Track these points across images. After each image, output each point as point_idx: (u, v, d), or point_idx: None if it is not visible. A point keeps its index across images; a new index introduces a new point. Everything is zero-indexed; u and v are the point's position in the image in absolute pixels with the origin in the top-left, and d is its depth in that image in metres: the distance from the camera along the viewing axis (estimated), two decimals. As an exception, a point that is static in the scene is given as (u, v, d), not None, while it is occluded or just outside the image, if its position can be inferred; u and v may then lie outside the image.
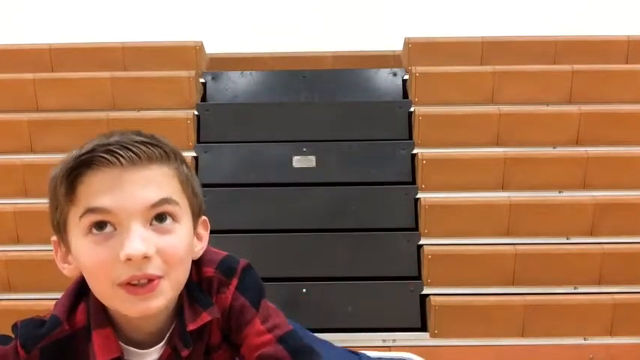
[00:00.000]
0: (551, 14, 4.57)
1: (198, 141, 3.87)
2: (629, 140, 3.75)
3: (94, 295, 0.89)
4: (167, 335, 0.92)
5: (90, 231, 0.83)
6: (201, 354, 0.95)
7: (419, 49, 4.18)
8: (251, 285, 0.95)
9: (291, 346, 0.93)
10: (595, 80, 3.92)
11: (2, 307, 3.26)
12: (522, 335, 3.32)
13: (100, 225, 0.83)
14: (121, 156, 0.82)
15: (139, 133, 0.87)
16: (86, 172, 0.83)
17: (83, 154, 0.83)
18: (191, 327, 0.91)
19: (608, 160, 3.67)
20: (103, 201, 0.82)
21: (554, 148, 3.75)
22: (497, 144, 3.77)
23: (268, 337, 0.93)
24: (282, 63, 4.32)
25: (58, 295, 0.94)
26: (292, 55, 4.37)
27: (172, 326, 0.92)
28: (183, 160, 0.91)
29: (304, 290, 3.39)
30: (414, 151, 3.75)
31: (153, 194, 0.84)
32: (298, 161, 3.74)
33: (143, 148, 0.84)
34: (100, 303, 0.89)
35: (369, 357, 1.26)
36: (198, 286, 0.94)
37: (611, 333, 3.30)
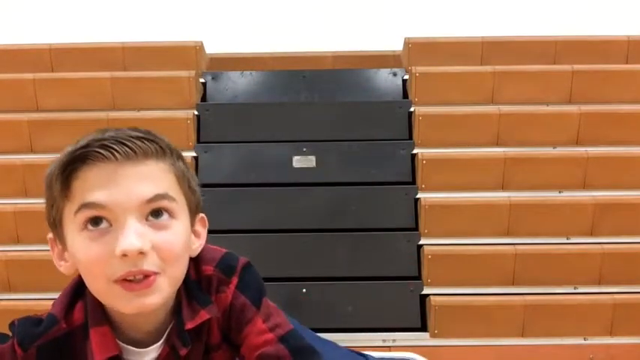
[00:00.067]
0: (551, 14, 4.57)
1: (198, 141, 3.87)
2: (629, 140, 3.74)
3: (91, 293, 0.88)
4: (165, 334, 0.91)
5: (85, 227, 0.83)
6: (199, 353, 0.94)
7: (419, 49, 4.18)
8: (251, 283, 0.95)
9: (292, 346, 0.93)
10: (595, 80, 3.92)
11: (2, 307, 3.26)
12: (522, 335, 3.32)
13: (96, 221, 0.82)
14: (116, 151, 0.82)
15: (134, 129, 0.87)
16: (81, 167, 0.82)
17: (78, 150, 0.83)
18: (189, 325, 0.90)
19: (608, 160, 3.67)
20: (98, 196, 0.81)
21: (554, 148, 3.75)
22: (497, 144, 3.77)
23: (270, 336, 0.93)
24: (282, 63, 4.32)
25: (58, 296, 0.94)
26: (292, 55, 4.37)
27: (170, 325, 0.92)
28: (179, 156, 0.90)
29: (304, 290, 3.39)
30: (414, 151, 3.75)
31: (148, 189, 0.83)
32: (298, 161, 3.74)
33: (138, 143, 0.84)
34: (98, 301, 0.88)
35: (374, 358, 1.24)
36: (197, 284, 0.93)
37: (611, 333, 3.30)
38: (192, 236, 0.92)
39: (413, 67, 4.00)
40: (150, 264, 0.83)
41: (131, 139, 0.83)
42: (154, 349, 0.91)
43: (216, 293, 0.93)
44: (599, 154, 3.68)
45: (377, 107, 4.01)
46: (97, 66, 4.07)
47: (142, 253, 0.81)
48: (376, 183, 3.70)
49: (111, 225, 0.82)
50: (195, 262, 0.94)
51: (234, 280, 0.94)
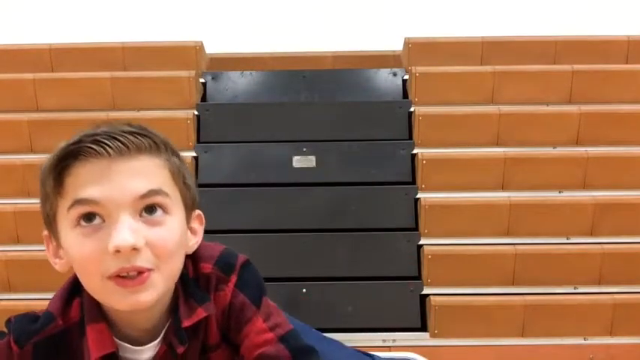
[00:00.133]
0: (551, 14, 4.57)
1: (198, 141, 3.87)
2: (629, 140, 3.74)
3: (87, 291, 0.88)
4: (162, 332, 0.91)
5: (78, 223, 0.82)
6: (197, 351, 0.93)
7: (419, 49, 4.18)
8: (251, 282, 0.94)
9: (292, 346, 0.92)
10: (595, 80, 3.92)
11: (2, 307, 3.25)
12: (522, 335, 3.32)
13: (89, 217, 0.81)
14: (109, 146, 0.81)
15: (128, 124, 0.86)
16: (73, 163, 0.82)
17: (70, 145, 0.82)
18: (186, 323, 0.89)
19: (608, 160, 3.67)
20: (91, 192, 0.81)
21: (554, 148, 3.75)
22: (497, 144, 3.77)
23: (270, 335, 0.92)
24: (282, 63, 4.32)
25: (58, 296, 0.94)
26: (292, 55, 4.37)
27: (168, 323, 0.91)
28: (174, 152, 0.89)
29: (304, 290, 3.39)
30: (414, 151, 3.75)
31: (142, 185, 0.82)
32: (298, 161, 3.74)
33: (131, 138, 0.83)
34: (94, 298, 0.88)
35: (380, 358, 1.23)
36: (195, 282, 0.92)
37: (611, 333, 3.30)
38: (189, 233, 0.91)
39: (413, 67, 4.00)
40: (143, 260, 0.82)
41: (124, 134, 0.83)
42: (151, 348, 0.91)
43: (215, 291, 0.92)
44: (599, 154, 3.68)
45: (377, 107, 4.01)
46: (97, 66, 4.07)
47: (135, 249, 0.80)
48: (376, 183, 3.70)
49: (104, 221, 0.82)
50: (193, 259, 0.93)
51: (233, 278, 0.93)
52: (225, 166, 3.76)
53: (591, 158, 3.65)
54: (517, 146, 3.74)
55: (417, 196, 3.62)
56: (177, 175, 0.88)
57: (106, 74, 3.98)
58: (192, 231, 0.93)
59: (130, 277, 0.81)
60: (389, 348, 3.19)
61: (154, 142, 0.85)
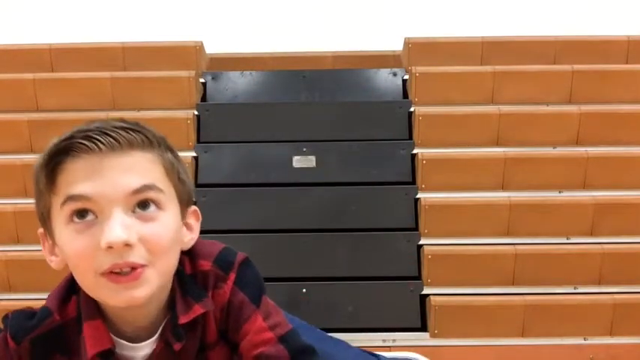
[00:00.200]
0: (551, 14, 4.57)
1: (198, 141, 3.87)
2: (629, 140, 3.74)
3: None
4: (159, 329, 0.90)
5: (71, 220, 0.82)
6: (194, 348, 0.92)
7: (419, 49, 4.18)
8: (250, 280, 0.93)
9: (292, 346, 0.92)
10: (595, 80, 3.91)
11: (2, 307, 3.25)
12: (522, 335, 3.31)
13: (81, 213, 0.81)
14: (100, 141, 0.81)
15: (121, 120, 0.85)
16: (65, 159, 0.81)
17: (62, 141, 0.82)
18: (183, 320, 0.89)
19: (608, 160, 3.67)
20: (83, 188, 0.80)
21: (554, 148, 3.75)
22: (498, 144, 3.77)
23: (269, 335, 0.91)
24: (282, 63, 4.32)
25: (58, 296, 0.94)
26: (292, 55, 4.37)
27: (165, 320, 0.90)
28: (168, 147, 0.89)
29: (304, 290, 3.39)
30: (414, 151, 3.75)
31: (134, 180, 0.82)
32: (298, 161, 3.74)
33: (123, 133, 0.82)
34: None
35: (386, 358, 1.22)
36: (193, 279, 0.92)
37: (611, 333, 3.30)
38: (184, 229, 0.91)
39: (413, 67, 4.00)
40: (137, 256, 0.81)
41: (116, 129, 0.82)
42: (148, 345, 0.90)
43: (214, 289, 0.92)
44: (599, 154, 3.68)
45: (377, 107, 4.01)
46: (97, 66, 4.07)
47: (128, 245, 0.80)
48: (376, 183, 3.70)
49: (97, 217, 0.81)
50: (191, 256, 0.93)
51: (232, 276, 0.92)
52: (225, 166, 3.76)
53: (591, 158, 3.65)
54: (517, 146, 3.74)
55: (417, 196, 3.62)
56: (172, 171, 0.87)
57: (106, 74, 3.98)
58: (188, 227, 0.92)
59: (123, 274, 0.81)
60: (389, 348, 3.19)
61: (147, 137, 0.85)
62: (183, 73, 3.99)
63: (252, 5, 4.71)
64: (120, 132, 0.82)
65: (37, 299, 3.20)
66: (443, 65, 4.04)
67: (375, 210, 3.61)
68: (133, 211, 0.82)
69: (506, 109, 3.81)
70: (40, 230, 0.89)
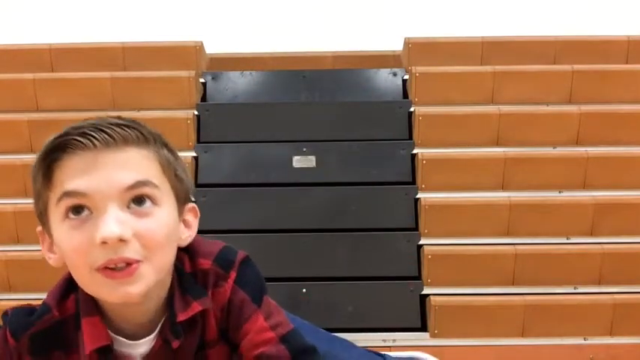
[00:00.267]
0: (551, 14, 4.57)
1: (198, 141, 3.87)
2: (629, 140, 3.74)
3: None
4: (158, 327, 0.90)
5: (67, 216, 0.82)
6: (193, 346, 0.92)
7: (419, 49, 4.18)
8: (251, 279, 0.93)
9: (293, 346, 0.92)
10: (595, 80, 3.91)
11: (2, 307, 3.24)
12: (522, 335, 3.31)
13: (77, 209, 0.82)
14: (95, 138, 0.81)
15: (117, 117, 0.86)
16: (61, 156, 0.82)
17: (57, 138, 0.83)
18: (181, 317, 0.89)
19: (608, 160, 3.67)
20: (78, 184, 0.81)
21: (554, 148, 3.75)
22: (498, 144, 3.77)
23: (270, 334, 0.91)
24: (282, 63, 4.32)
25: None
26: (292, 55, 4.37)
27: (164, 318, 0.91)
28: (165, 144, 0.89)
29: (304, 290, 3.39)
30: (414, 151, 3.75)
31: (128, 176, 0.82)
32: (298, 161, 3.74)
33: (118, 129, 0.83)
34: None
35: (392, 357, 1.22)
36: (192, 277, 0.92)
37: (611, 333, 3.30)
38: (182, 226, 0.91)
39: (413, 67, 4.00)
40: (132, 252, 0.81)
41: (111, 126, 0.83)
42: (147, 342, 0.90)
43: (214, 288, 0.92)
44: (599, 154, 3.68)
45: (377, 107, 4.01)
46: (97, 66, 4.07)
47: (122, 240, 0.80)
48: (376, 183, 3.70)
49: (92, 213, 0.82)
50: (191, 255, 0.93)
51: (233, 274, 0.92)
52: (225, 166, 3.76)
53: (591, 158, 3.65)
54: (517, 146, 3.74)
55: (417, 196, 3.62)
56: (168, 167, 0.88)
57: (106, 74, 3.98)
58: (186, 224, 0.92)
59: (118, 269, 0.81)
60: (389, 348, 3.19)
61: (142, 133, 0.85)
62: (183, 73, 3.99)
63: (252, 5, 4.72)
64: (115, 128, 0.83)
65: (37, 299, 3.20)
66: (443, 65, 4.04)
67: (375, 210, 3.61)
68: (128, 207, 0.83)
69: (506, 109, 3.81)
70: (39, 228, 0.89)
